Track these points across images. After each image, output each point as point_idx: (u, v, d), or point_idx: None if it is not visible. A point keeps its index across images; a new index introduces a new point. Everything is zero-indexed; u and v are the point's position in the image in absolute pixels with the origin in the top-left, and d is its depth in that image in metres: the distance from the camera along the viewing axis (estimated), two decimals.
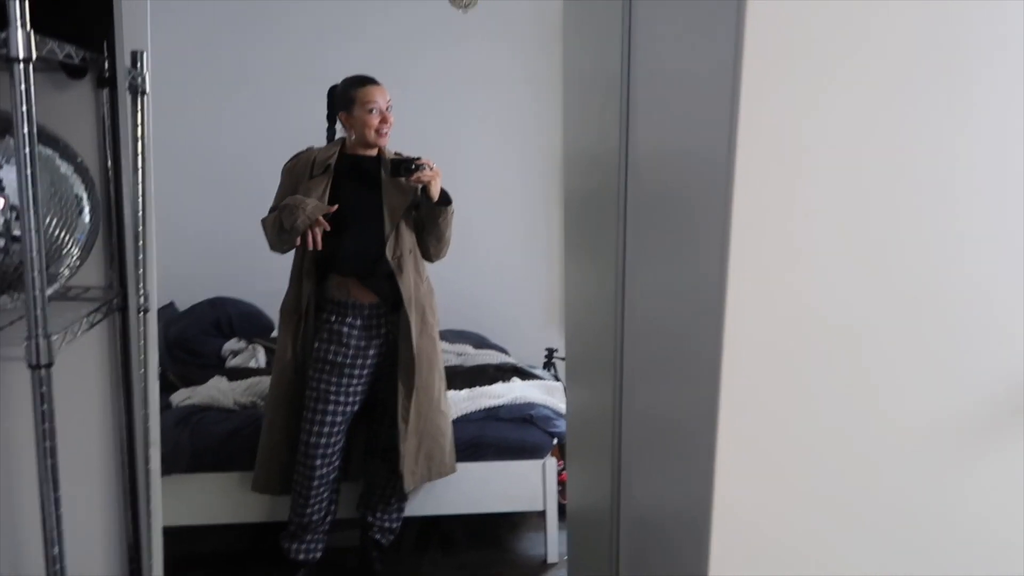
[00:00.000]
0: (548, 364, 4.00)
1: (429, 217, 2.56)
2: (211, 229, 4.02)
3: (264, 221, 2.56)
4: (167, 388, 3.08)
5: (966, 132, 1.04)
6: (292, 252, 2.59)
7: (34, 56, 1.18)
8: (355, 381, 2.59)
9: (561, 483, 2.99)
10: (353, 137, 2.58)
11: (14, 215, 1.33)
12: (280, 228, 2.45)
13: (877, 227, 1.06)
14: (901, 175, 1.04)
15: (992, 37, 1.02)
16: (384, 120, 2.53)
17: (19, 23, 1.16)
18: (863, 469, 1.12)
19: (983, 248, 1.07)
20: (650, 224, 1.41)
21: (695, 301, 1.17)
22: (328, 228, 2.44)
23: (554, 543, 2.96)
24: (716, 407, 1.09)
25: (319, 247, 2.44)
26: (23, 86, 1.19)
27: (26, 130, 1.20)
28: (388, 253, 2.53)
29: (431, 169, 2.48)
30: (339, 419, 2.58)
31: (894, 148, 1.04)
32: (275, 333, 3.72)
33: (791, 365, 1.08)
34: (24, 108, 1.19)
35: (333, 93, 2.62)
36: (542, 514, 2.97)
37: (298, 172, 2.56)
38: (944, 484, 1.13)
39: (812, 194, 1.04)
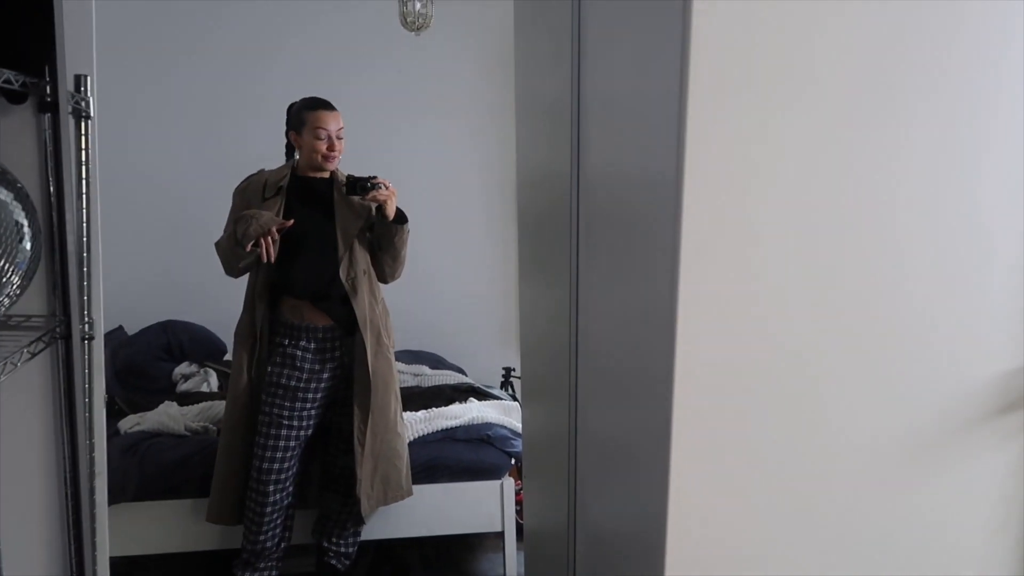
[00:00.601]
0: (505, 383, 4.00)
1: (385, 236, 2.55)
2: (161, 252, 3.96)
3: (218, 244, 2.52)
4: (115, 415, 3.01)
5: (909, 154, 1.07)
6: (246, 276, 2.56)
7: None
8: (308, 405, 2.55)
9: (519, 503, 2.98)
10: (302, 159, 2.56)
11: None
12: (234, 243, 2.41)
13: (823, 247, 1.08)
14: (845, 196, 1.07)
15: (931, 61, 1.05)
16: (331, 147, 2.51)
17: None
18: (814, 484, 1.14)
19: (927, 269, 1.11)
20: (602, 245, 1.42)
21: (647, 321, 1.18)
22: (277, 238, 2.40)
23: (512, 564, 2.94)
24: (669, 426, 1.10)
25: (272, 258, 2.40)
26: None
27: None
28: (342, 275, 2.51)
29: (387, 188, 2.47)
30: (292, 444, 2.54)
31: (838, 169, 1.06)
32: (228, 356, 3.68)
33: (742, 383, 1.10)
34: None
35: (290, 111, 2.60)
36: (500, 535, 2.95)
37: (250, 194, 2.53)
38: (892, 497, 1.16)
39: (759, 215, 1.06)
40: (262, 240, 2.38)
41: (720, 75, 1.02)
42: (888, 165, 1.07)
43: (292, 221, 2.42)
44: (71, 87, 1.60)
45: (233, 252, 2.45)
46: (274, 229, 2.39)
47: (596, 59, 1.42)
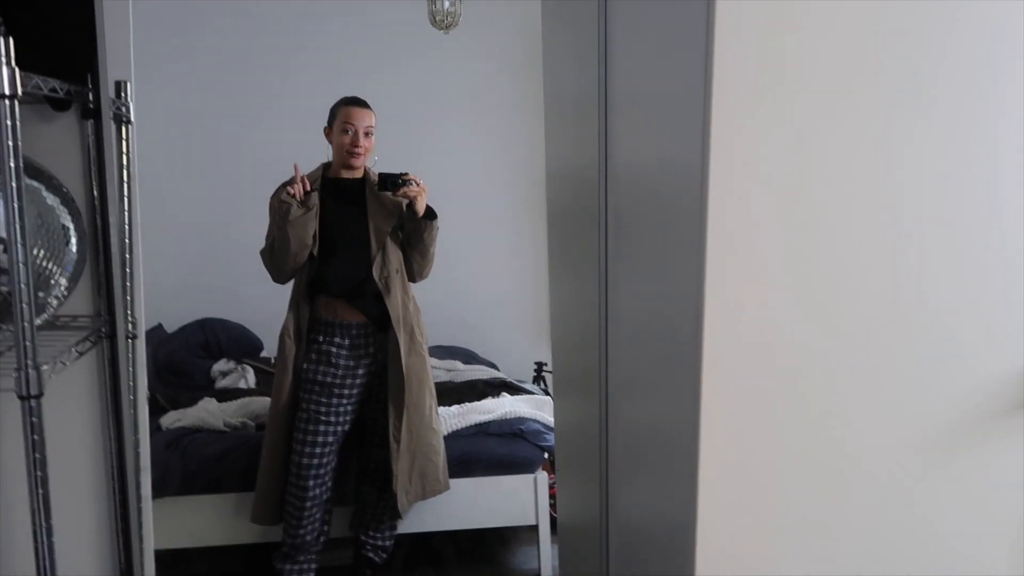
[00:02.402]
0: (538, 378, 4.02)
1: (414, 233, 2.58)
2: (197, 251, 4.03)
3: (263, 252, 2.56)
4: (156, 411, 3.08)
5: (934, 148, 1.07)
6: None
7: (19, 92, 1.20)
8: (345, 401, 2.60)
9: (553, 497, 3.00)
10: (333, 155, 2.60)
11: (1, 247, 1.35)
12: (278, 224, 2.45)
13: (851, 241, 1.09)
14: (873, 193, 1.07)
15: (955, 52, 1.05)
16: (355, 143, 2.53)
17: (4, 60, 1.18)
18: (843, 478, 1.14)
19: (950, 264, 1.11)
20: (630, 239, 1.43)
21: (674, 315, 1.19)
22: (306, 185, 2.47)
23: (547, 557, 2.97)
24: (697, 420, 1.11)
25: (307, 189, 2.47)
26: (9, 121, 1.20)
27: (13, 164, 1.22)
28: (375, 273, 2.55)
29: (417, 184, 2.50)
30: (330, 439, 2.59)
31: (864, 163, 1.07)
32: (264, 353, 3.74)
33: (770, 377, 1.11)
34: (11, 143, 1.21)
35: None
36: (534, 528, 2.98)
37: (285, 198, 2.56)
38: (917, 494, 1.16)
39: (785, 208, 1.07)
40: (295, 187, 2.44)
41: (744, 68, 1.03)
42: (914, 159, 1.07)
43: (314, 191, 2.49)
44: (112, 93, 1.65)
45: (281, 247, 2.47)
46: (299, 178, 2.46)
47: (622, 54, 1.43)
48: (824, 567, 1.16)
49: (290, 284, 2.62)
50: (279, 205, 2.46)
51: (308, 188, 2.48)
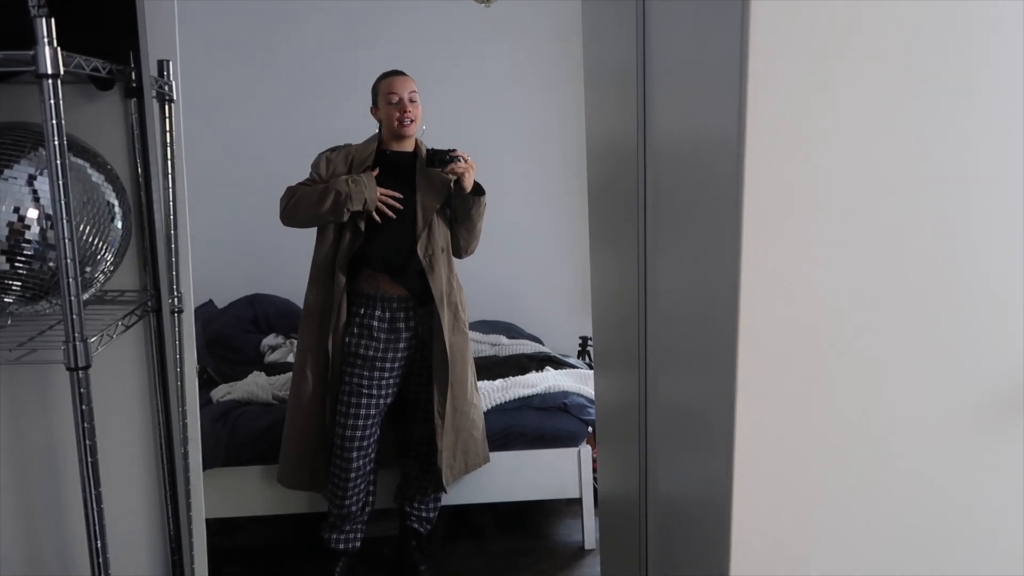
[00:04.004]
0: (582, 352, 4.01)
1: (462, 209, 2.59)
2: (248, 228, 4.09)
3: (295, 191, 2.54)
4: (207, 384, 3.15)
5: (979, 126, 1.03)
6: (323, 251, 2.61)
7: (62, 72, 1.23)
8: (387, 374, 2.62)
9: (596, 470, 3.01)
10: (383, 131, 2.60)
11: (49, 224, 1.39)
12: (329, 202, 2.45)
13: (889, 217, 1.05)
14: (912, 167, 1.04)
15: (1006, 28, 1.01)
16: (404, 109, 2.53)
17: (46, 41, 1.21)
18: (879, 456, 1.12)
19: (994, 241, 1.07)
20: (668, 213, 1.42)
21: (711, 289, 1.17)
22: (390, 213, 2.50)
23: (591, 530, 2.98)
24: (734, 395, 1.10)
25: (388, 218, 2.51)
26: (52, 100, 1.23)
27: (57, 142, 1.25)
28: (420, 251, 2.55)
29: (465, 161, 2.50)
30: (373, 412, 2.62)
31: (905, 140, 1.03)
32: None
33: (806, 354, 1.09)
34: (54, 121, 1.24)
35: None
36: (578, 501, 2.99)
37: (336, 164, 2.57)
38: (959, 474, 1.13)
39: (824, 182, 1.04)
40: (376, 208, 2.48)
41: (782, 39, 1.00)
42: (958, 133, 1.03)
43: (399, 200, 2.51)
44: (155, 72, 1.67)
45: (303, 202, 2.47)
46: (384, 199, 2.49)
47: (660, 26, 1.41)
48: (859, 544, 1.14)
49: (310, 257, 2.63)
50: (343, 203, 2.45)
51: (393, 205, 2.52)
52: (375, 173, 2.53)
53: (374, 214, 2.50)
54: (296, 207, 2.52)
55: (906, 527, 1.14)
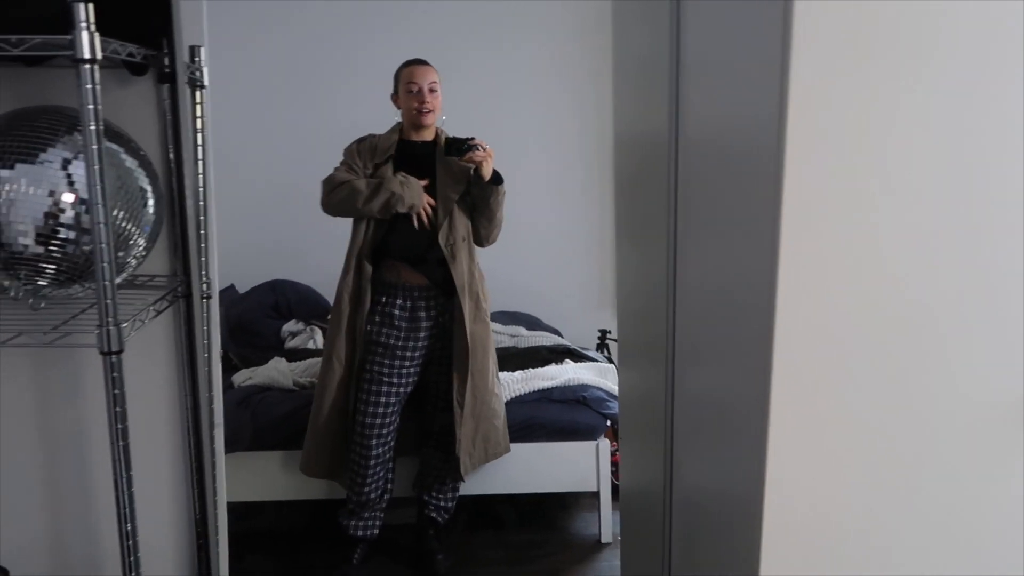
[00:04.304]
0: (601, 345, 4.00)
1: (481, 197, 2.58)
2: (268, 214, 4.11)
3: (333, 181, 2.54)
4: (228, 369, 3.17)
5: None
6: (354, 240, 2.62)
7: (99, 57, 1.23)
8: (407, 363, 2.63)
9: (614, 464, 3.01)
10: (403, 120, 2.60)
11: (84, 208, 1.39)
12: (365, 200, 2.49)
13: (929, 215, 1.04)
14: (956, 165, 1.03)
15: None
16: (422, 100, 2.53)
17: (84, 26, 1.21)
18: (917, 454, 1.11)
19: None
20: (700, 208, 1.40)
21: (746, 283, 1.16)
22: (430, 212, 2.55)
23: (608, 523, 2.98)
24: (768, 390, 1.09)
25: (426, 225, 2.55)
26: (90, 85, 1.24)
27: (93, 127, 1.25)
28: (441, 240, 2.56)
29: (484, 149, 2.49)
30: (393, 400, 2.63)
31: (951, 136, 1.02)
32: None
33: (844, 348, 1.08)
34: (91, 106, 1.24)
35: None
36: (595, 494, 2.99)
37: (362, 154, 2.58)
38: (1000, 474, 1.12)
39: (863, 181, 1.03)
40: (418, 212, 2.53)
41: (826, 26, 0.99)
42: (1007, 132, 1.02)
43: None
44: (186, 58, 1.68)
45: (353, 196, 2.50)
46: (425, 207, 2.53)
47: (696, 14, 1.39)
48: (894, 545, 1.13)
49: (346, 245, 2.65)
50: (394, 203, 2.50)
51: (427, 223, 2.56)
52: (396, 173, 2.55)
53: (413, 218, 2.52)
54: (346, 200, 2.52)
55: (943, 528, 1.13)
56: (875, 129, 1.02)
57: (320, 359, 3.20)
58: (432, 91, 2.54)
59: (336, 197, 2.52)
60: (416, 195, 2.51)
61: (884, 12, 0.98)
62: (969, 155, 1.03)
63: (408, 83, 2.54)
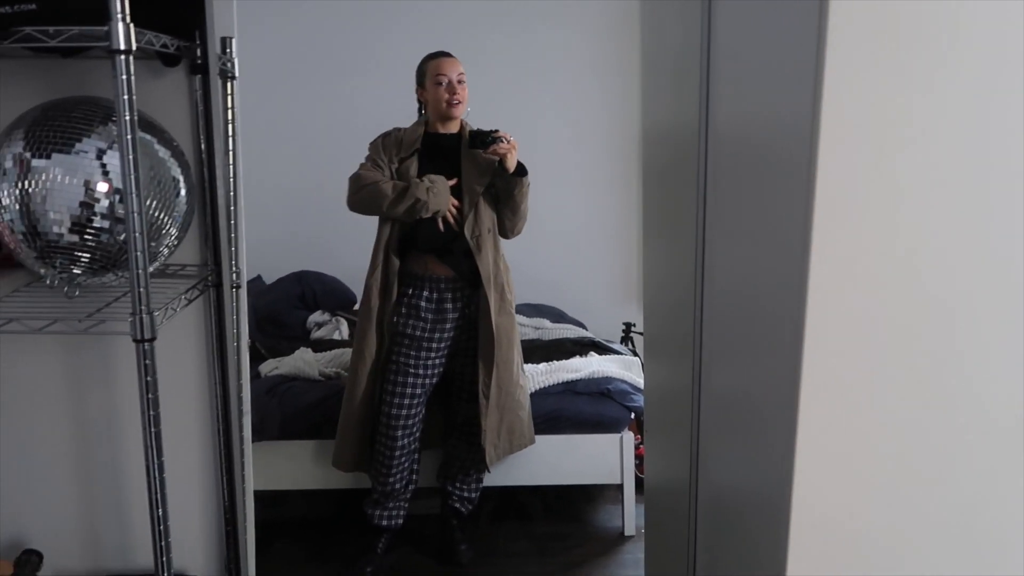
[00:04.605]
0: (626, 338, 3.99)
1: (505, 189, 2.58)
2: (296, 205, 4.13)
3: (359, 179, 2.55)
4: (255, 359, 3.20)
5: None
6: (381, 233, 2.63)
7: (134, 47, 1.24)
8: (433, 355, 2.64)
9: (638, 457, 3.00)
10: (430, 113, 2.61)
11: (118, 198, 1.41)
12: (394, 201, 2.49)
13: (964, 211, 1.03)
14: (990, 164, 1.01)
15: None
16: (452, 91, 2.53)
17: (120, 17, 1.22)
18: (947, 453, 1.10)
19: None
20: (730, 202, 1.40)
21: (777, 279, 1.16)
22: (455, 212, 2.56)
23: (631, 516, 2.98)
24: (797, 388, 1.09)
25: (453, 225, 2.56)
26: (125, 76, 1.25)
27: (128, 117, 1.27)
28: (467, 232, 2.56)
29: (508, 141, 2.49)
30: (419, 391, 2.64)
31: (986, 135, 1.00)
32: (358, 306, 3.82)
33: (875, 346, 1.07)
34: (126, 97, 1.26)
35: (417, 70, 2.65)
36: (619, 487, 2.99)
37: (388, 148, 2.59)
38: None
39: (897, 177, 1.02)
40: (445, 215, 2.53)
41: (861, 20, 0.98)
42: None
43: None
44: (218, 49, 1.69)
45: (379, 199, 2.50)
46: (451, 208, 2.53)
47: (727, 6, 1.38)
48: (922, 543, 1.12)
49: (374, 237, 2.65)
50: (420, 204, 2.49)
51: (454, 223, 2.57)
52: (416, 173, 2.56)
53: (439, 221, 2.53)
54: (371, 201, 2.53)
55: (972, 527, 1.12)
56: (911, 125, 1.00)
57: (346, 350, 3.23)
58: (461, 83, 2.55)
59: (362, 197, 2.54)
60: (443, 200, 2.51)
61: (920, 6, 0.97)
62: (1006, 152, 1.01)
63: (437, 75, 2.54)
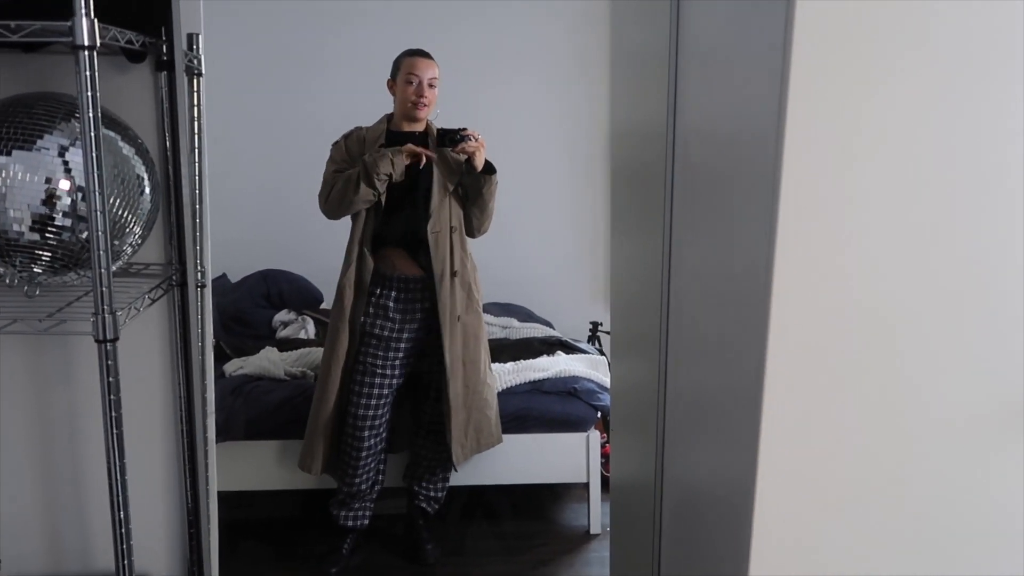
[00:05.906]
0: (592, 338, 4.02)
1: (473, 187, 2.58)
2: (261, 203, 4.09)
3: (325, 192, 2.56)
4: (219, 358, 3.17)
5: (1020, 118, 1.03)
6: (350, 228, 2.61)
7: (98, 43, 1.23)
8: (400, 355, 2.63)
9: (604, 455, 3.02)
10: (396, 107, 2.60)
11: (80, 196, 1.39)
12: (355, 182, 2.47)
13: (926, 214, 1.05)
14: (953, 164, 1.03)
15: None
16: (420, 92, 2.53)
17: (83, 12, 1.20)
18: (906, 453, 1.12)
19: None
20: (697, 202, 1.41)
21: (742, 280, 1.17)
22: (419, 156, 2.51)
23: (597, 515, 3.00)
24: (761, 387, 1.10)
25: (431, 158, 2.52)
26: (88, 72, 1.23)
27: (91, 114, 1.25)
28: (428, 227, 2.55)
29: (476, 140, 2.49)
30: (386, 391, 2.63)
31: (946, 133, 1.03)
32: (324, 305, 3.80)
33: (836, 348, 1.09)
34: (89, 93, 1.24)
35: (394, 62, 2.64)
36: (585, 486, 3.01)
37: (350, 148, 2.58)
38: (986, 475, 1.13)
39: (861, 178, 1.04)
40: (409, 156, 2.48)
41: (827, 28, 0.99)
42: (1005, 131, 1.03)
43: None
44: (185, 46, 1.67)
45: (341, 193, 2.49)
46: (410, 148, 2.49)
47: (695, 5, 1.40)
48: (883, 542, 1.15)
49: (347, 236, 2.64)
50: (370, 171, 2.44)
51: (431, 156, 2.52)
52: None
53: (413, 156, 2.48)
54: (338, 201, 2.52)
55: (931, 526, 1.15)
56: (875, 124, 1.02)
57: (312, 349, 3.21)
58: (431, 86, 2.54)
59: (330, 201, 2.54)
60: (386, 156, 2.47)
61: (886, 6, 0.99)
62: (969, 153, 1.04)
63: (408, 73, 2.53)
